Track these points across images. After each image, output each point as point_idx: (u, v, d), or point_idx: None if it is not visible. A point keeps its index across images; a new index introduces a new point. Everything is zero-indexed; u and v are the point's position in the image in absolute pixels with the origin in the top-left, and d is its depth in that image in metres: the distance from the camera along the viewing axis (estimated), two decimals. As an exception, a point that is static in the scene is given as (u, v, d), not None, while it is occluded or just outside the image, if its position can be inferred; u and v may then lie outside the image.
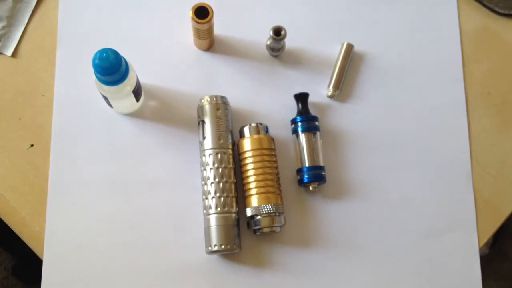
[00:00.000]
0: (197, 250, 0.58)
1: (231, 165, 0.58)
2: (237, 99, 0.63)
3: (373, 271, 0.59)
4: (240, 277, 0.58)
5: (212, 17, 0.59)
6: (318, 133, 0.61)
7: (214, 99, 0.59)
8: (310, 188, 0.60)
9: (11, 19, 0.65)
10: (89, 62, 0.53)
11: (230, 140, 0.59)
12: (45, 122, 0.62)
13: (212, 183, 0.57)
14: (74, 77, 0.64)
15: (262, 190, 0.57)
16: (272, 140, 0.60)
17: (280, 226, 0.58)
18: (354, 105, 0.64)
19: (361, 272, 0.59)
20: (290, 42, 0.65)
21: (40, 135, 0.62)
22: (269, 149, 0.59)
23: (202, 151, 0.58)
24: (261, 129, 0.60)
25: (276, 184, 0.58)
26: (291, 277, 0.59)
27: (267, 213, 0.56)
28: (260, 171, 0.57)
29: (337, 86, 0.64)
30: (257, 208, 0.56)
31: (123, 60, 0.53)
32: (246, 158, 0.58)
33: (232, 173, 0.58)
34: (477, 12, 0.68)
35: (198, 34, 0.61)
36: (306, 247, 0.60)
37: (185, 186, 0.60)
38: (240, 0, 0.67)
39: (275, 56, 0.65)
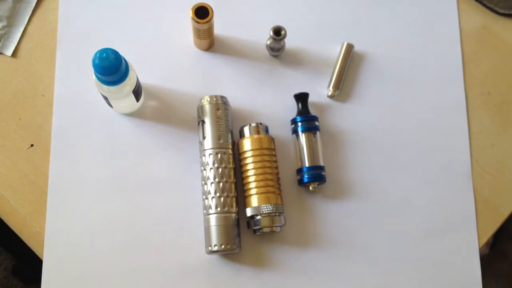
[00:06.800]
0: (197, 250, 0.58)
1: (231, 165, 0.58)
2: (237, 99, 0.63)
3: (373, 271, 0.59)
4: (240, 277, 0.58)
5: (212, 17, 0.59)
6: (318, 133, 0.61)
7: (214, 99, 0.59)
8: (310, 188, 0.60)
9: (11, 19, 0.65)
10: (89, 62, 0.53)
11: (230, 140, 0.59)
12: (45, 122, 0.62)
13: (212, 183, 0.57)
14: (74, 77, 0.64)
15: (262, 190, 0.57)
16: (272, 140, 0.60)
17: (280, 226, 0.58)
18: (354, 105, 0.64)
19: (361, 272, 0.59)
20: (290, 42, 0.65)
21: (40, 135, 0.62)
22: (269, 149, 0.59)
23: (202, 151, 0.58)
24: (261, 129, 0.60)
25: (276, 184, 0.58)
26: (291, 277, 0.59)
27: (267, 213, 0.56)
28: (260, 171, 0.57)
29: (337, 86, 0.64)
30: (257, 208, 0.56)
31: (123, 60, 0.53)
32: (246, 158, 0.58)
33: (232, 173, 0.58)
34: (477, 12, 0.68)
35: (198, 34, 0.61)
36: (306, 247, 0.60)
37: (185, 186, 0.60)
38: (240, 0, 0.67)
39: (275, 56, 0.65)
